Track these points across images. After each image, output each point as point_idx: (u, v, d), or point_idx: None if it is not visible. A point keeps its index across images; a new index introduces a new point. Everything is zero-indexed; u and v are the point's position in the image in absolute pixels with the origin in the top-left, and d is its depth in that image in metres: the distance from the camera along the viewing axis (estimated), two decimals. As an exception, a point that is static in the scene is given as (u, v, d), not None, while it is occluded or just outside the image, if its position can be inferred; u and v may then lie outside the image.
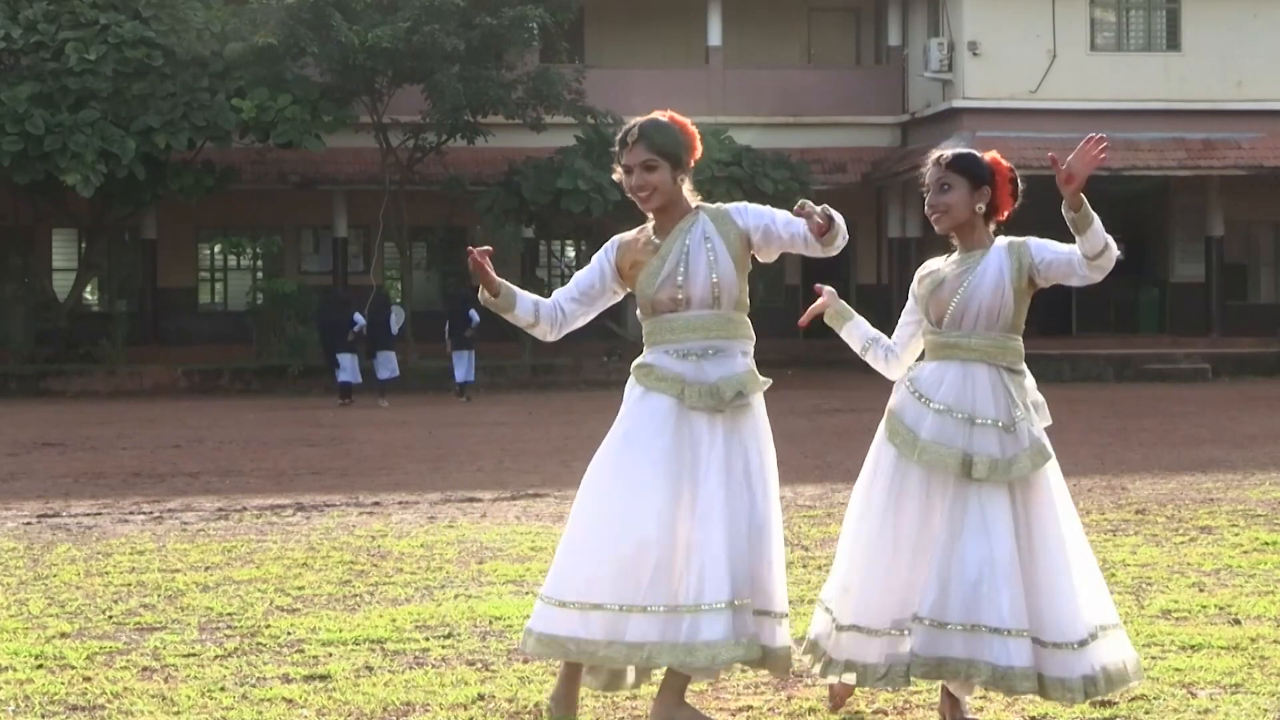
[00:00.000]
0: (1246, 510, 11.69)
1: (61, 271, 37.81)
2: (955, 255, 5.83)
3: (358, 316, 28.57)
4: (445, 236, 38.45)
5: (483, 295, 5.84)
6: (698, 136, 5.84)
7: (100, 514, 12.44)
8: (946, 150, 5.90)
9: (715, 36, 38.28)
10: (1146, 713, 5.89)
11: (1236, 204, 37.81)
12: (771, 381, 5.84)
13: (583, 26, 38.22)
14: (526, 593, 8.49)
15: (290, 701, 6.20)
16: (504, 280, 5.88)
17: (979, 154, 5.87)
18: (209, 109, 31.48)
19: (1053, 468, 5.72)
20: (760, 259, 5.85)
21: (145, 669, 6.77)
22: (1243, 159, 35.72)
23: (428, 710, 6.06)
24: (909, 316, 5.92)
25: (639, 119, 5.83)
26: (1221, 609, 7.81)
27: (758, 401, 5.76)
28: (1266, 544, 9.93)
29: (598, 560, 5.63)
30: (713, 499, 5.60)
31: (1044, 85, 35.68)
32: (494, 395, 29.76)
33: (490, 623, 7.66)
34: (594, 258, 5.92)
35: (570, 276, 6.35)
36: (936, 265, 5.88)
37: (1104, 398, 26.97)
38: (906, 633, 5.57)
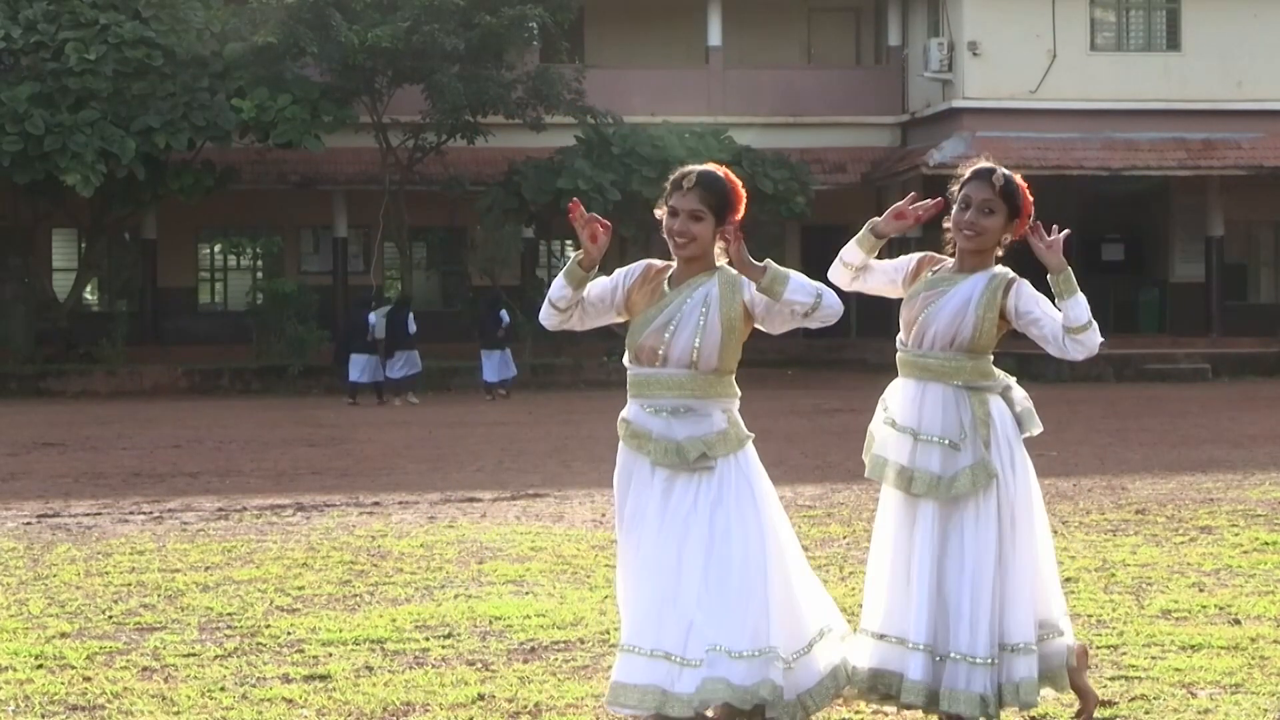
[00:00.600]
0: (1246, 510, 11.69)
1: (61, 271, 37.81)
2: (948, 267, 5.84)
3: (371, 317, 28.66)
4: (445, 236, 38.45)
5: (579, 259, 5.71)
6: (744, 199, 5.79)
7: (100, 514, 12.44)
8: (994, 166, 5.79)
9: (715, 36, 38.28)
10: (1146, 713, 5.90)
11: (1236, 204, 37.80)
12: (753, 436, 5.78)
13: (583, 26, 38.21)
14: (526, 593, 8.50)
15: (290, 701, 6.20)
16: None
17: (1020, 182, 5.78)
18: (209, 109, 31.47)
19: (1016, 482, 5.65)
20: (765, 329, 5.84)
21: (145, 669, 6.77)
22: (1243, 159, 35.72)
23: (428, 710, 6.06)
24: (895, 268, 5.94)
25: (697, 167, 5.78)
26: (1221, 609, 7.81)
27: (744, 457, 5.70)
28: (1266, 544, 9.93)
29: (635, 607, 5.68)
30: (682, 549, 5.58)
31: (1044, 85, 35.68)
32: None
33: (490, 623, 7.66)
34: (616, 274, 5.88)
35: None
36: (936, 268, 5.87)
37: (1104, 398, 26.97)
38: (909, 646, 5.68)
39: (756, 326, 5.80)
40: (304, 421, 23.62)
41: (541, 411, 25.18)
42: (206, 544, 10.53)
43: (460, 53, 32.06)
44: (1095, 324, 5.62)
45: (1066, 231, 5.68)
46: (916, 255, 5.94)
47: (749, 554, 5.56)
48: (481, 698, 6.20)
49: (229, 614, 7.98)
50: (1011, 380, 5.80)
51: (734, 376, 5.82)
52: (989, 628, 5.54)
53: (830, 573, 9.02)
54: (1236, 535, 10.37)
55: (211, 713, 6.05)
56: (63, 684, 6.49)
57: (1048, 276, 5.64)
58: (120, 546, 10.44)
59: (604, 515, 11.77)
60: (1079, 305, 5.58)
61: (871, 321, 39.12)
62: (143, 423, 23.47)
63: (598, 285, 5.84)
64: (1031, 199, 5.81)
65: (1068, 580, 8.71)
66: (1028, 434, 5.75)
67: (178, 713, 6.06)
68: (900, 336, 5.84)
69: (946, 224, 5.86)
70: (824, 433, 19.80)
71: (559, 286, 5.78)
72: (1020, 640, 5.59)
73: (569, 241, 39.51)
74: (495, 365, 28.67)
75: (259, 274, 38.85)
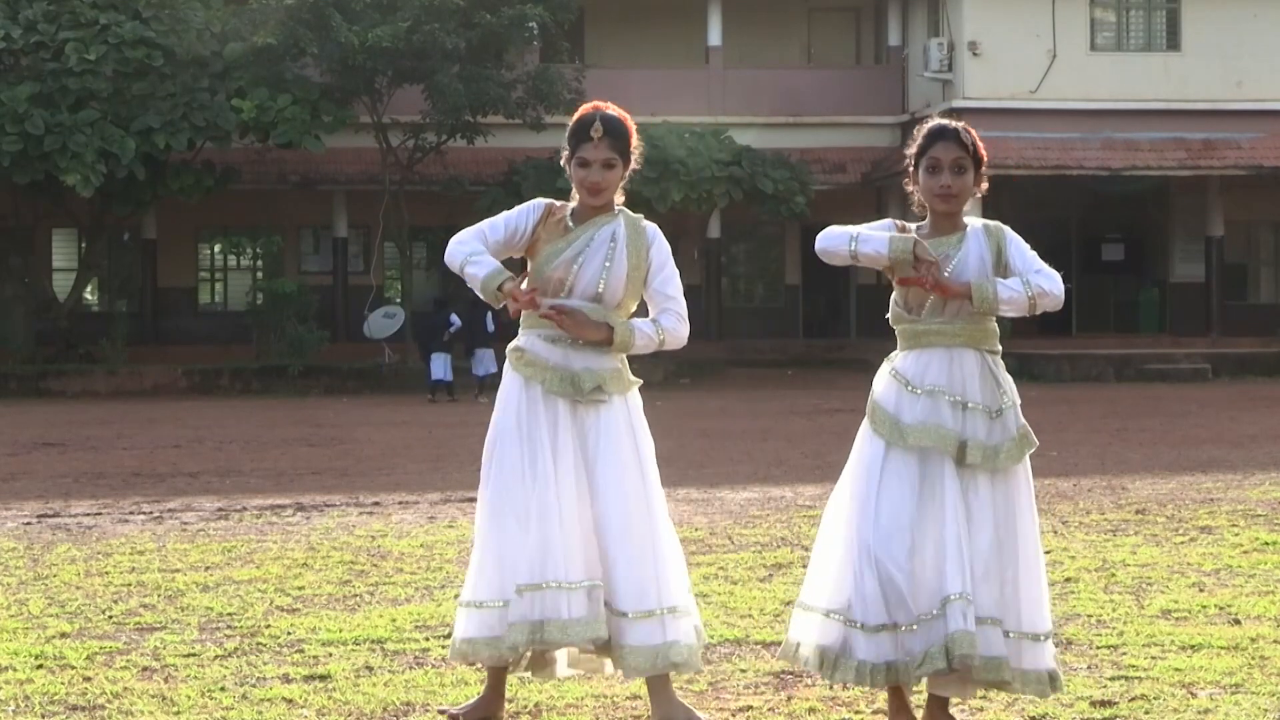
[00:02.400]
0: (1246, 510, 11.68)
1: (61, 271, 37.82)
2: (927, 234, 5.63)
3: (454, 317, 29.11)
4: (445, 236, 38.32)
5: (500, 288, 5.78)
6: (635, 133, 5.93)
7: (100, 514, 12.43)
8: (948, 123, 5.68)
9: (715, 36, 38.29)
10: (1146, 713, 5.89)
11: (1236, 204, 37.81)
12: (640, 382, 5.88)
13: (583, 26, 38.22)
14: (526, 593, 8.49)
15: (290, 701, 6.20)
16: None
17: (970, 133, 5.68)
18: (209, 109, 31.48)
19: (1026, 460, 5.65)
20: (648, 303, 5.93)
21: (145, 669, 6.77)
22: (1243, 159, 35.72)
23: (428, 710, 6.06)
24: (882, 228, 5.67)
25: (593, 112, 5.89)
26: (1221, 609, 7.81)
27: (633, 400, 5.83)
28: (1266, 544, 9.93)
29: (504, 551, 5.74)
30: (565, 484, 5.70)
31: (1044, 85, 35.69)
32: (493, 395, 29.78)
33: (490, 623, 7.65)
34: (516, 216, 5.92)
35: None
36: (919, 237, 5.63)
37: (1104, 398, 26.97)
38: (936, 614, 5.43)
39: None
40: (304, 421, 23.63)
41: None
42: (206, 544, 10.52)
43: (460, 53, 32.07)
44: (1038, 292, 5.49)
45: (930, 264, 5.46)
46: (885, 224, 5.68)
47: (624, 499, 5.69)
48: (481, 698, 6.19)
49: (229, 614, 7.98)
50: None
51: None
52: (1045, 602, 5.50)
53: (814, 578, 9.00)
54: (1236, 535, 10.36)
55: (211, 713, 6.05)
56: (63, 684, 6.49)
57: (972, 301, 5.50)
58: (120, 546, 10.44)
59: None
60: (1014, 303, 5.50)
61: (872, 321, 39.14)
62: (143, 423, 23.47)
63: (498, 231, 5.91)
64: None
65: (1067, 580, 8.72)
66: None
67: (178, 713, 6.06)
68: (900, 302, 5.63)
69: (909, 188, 5.68)
70: (824, 433, 19.79)
71: (470, 277, 5.87)
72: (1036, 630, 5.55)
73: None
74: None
75: (259, 274, 38.87)
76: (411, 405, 27.47)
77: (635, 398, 5.89)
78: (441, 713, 5.95)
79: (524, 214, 5.93)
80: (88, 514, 12.43)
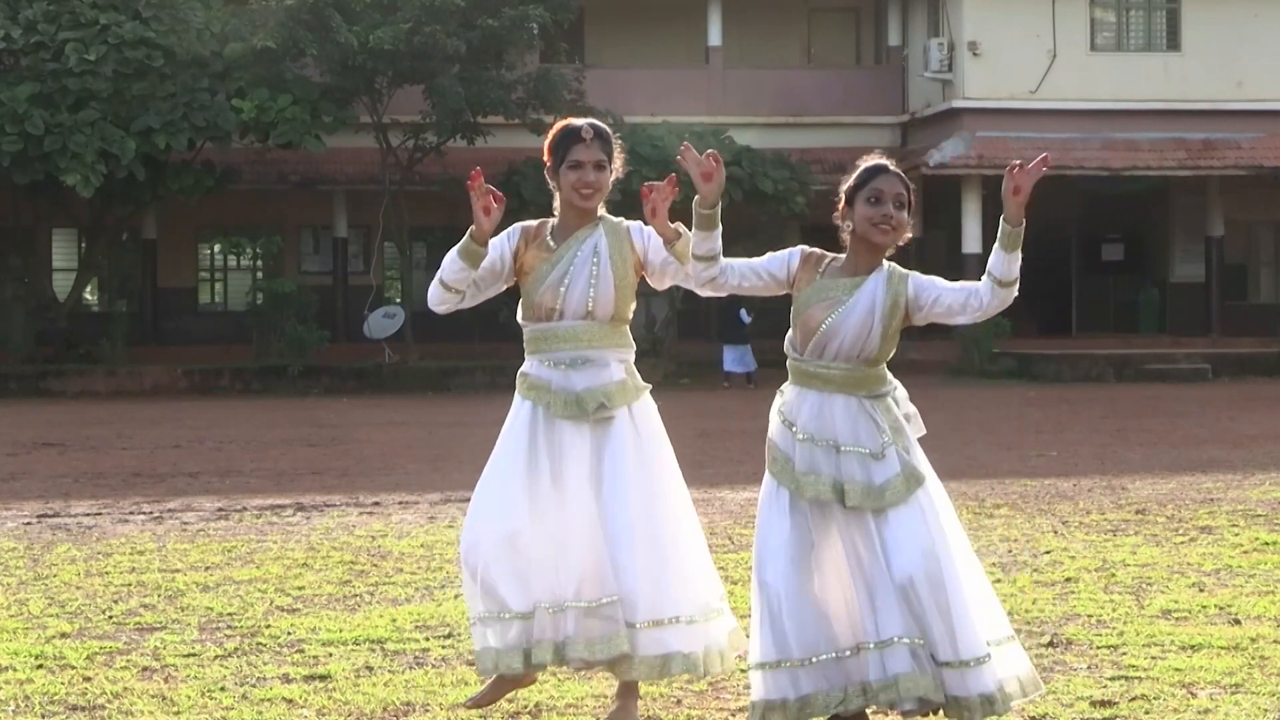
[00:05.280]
0: (1246, 510, 11.68)
1: (61, 271, 37.80)
2: (839, 268, 5.55)
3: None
4: (445, 236, 38.38)
5: (472, 234, 5.83)
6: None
7: (100, 514, 12.43)
8: (885, 160, 5.63)
9: (715, 36, 38.28)
10: (1146, 713, 5.89)
11: (1236, 204, 37.81)
12: (650, 388, 5.89)
13: (583, 26, 38.20)
14: (526, 593, 8.49)
15: (290, 701, 6.20)
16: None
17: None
18: (209, 109, 31.46)
19: (933, 484, 5.51)
20: (651, 283, 5.96)
21: (145, 669, 6.77)
22: (1243, 159, 35.72)
23: (428, 710, 6.07)
24: (766, 270, 5.59)
25: (580, 120, 6.04)
26: (1221, 609, 7.81)
27: (640, 409, 5.84)
28: (1266, 544, 9.93)
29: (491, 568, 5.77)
30: (579, 504, 5.71)
31: (1044, 85, 35.69)
32: (494, 395, 29.73)
33: (490, 623, 7.65)
34: (494, 244, 5.93)
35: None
36: (823, 268, 5.55)
37: (1104, 398, 26.96)
38: (849, 654, 5.37)
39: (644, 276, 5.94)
40: (304, 421, 23.62)
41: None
42: (206, 544, 10.53)
43: (461, 54, 32.05)
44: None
45: (1044, 159, 5.37)
46: (796, 251, 5.61)
47: (628, 513, 5.69)
48: (481, 698, 6.19)
49: (229, 614, 7.98)
50: (897, 382, 5.62)
51: (628, 327, 5.94)
52: (971, 624, 5.34)
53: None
54: (1236, 535, 10.36)
55: (211, 713, 6.05)
56: (63, 684, 6.49)
57: (1002, 225, 5.38)
58: (120, 546, 10.44)
59: (604, 515, 11.78)
60: (1018, 261, 5.39)
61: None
62: (143, 423, 23.46)
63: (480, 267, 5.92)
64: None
65: (1067, 580, 8.72)
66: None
67: (178, 713, 6.06)
68: (792, 340, 5.56)
69: (839, 220, 5.58)
70: (824, 433, 19.76)
71: (456, 268, 5.85)
72: (998, 636, 5.43)
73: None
74: (737, 357, 31.26)
75: (259, 274, 38.85)
76: (412, 405, 27.46)
77: (645, 405, 5.88)
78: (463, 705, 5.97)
79: (500, 244, 5.95)
80: (88, 514, 12.43)
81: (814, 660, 5.35)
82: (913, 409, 5.62)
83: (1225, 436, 18.94)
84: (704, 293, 5.73)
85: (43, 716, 6.03)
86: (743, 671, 5.91)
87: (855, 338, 5.45)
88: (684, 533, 5.84)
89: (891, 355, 5.55)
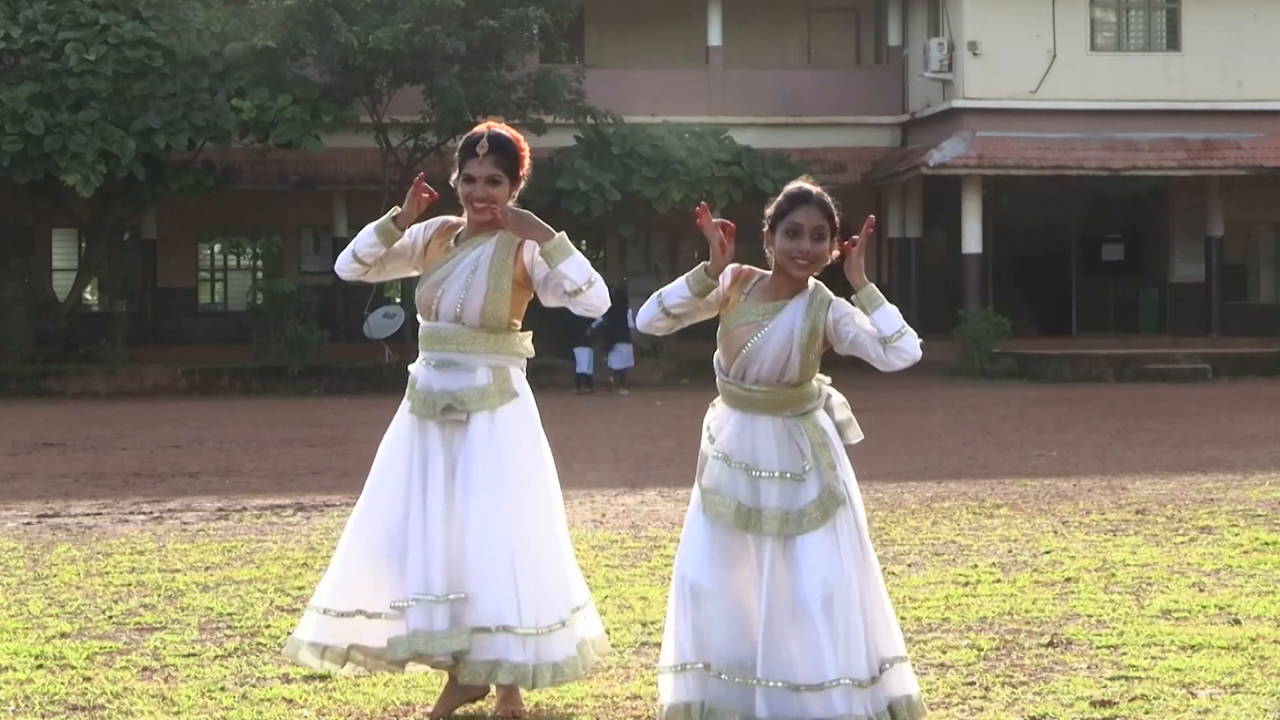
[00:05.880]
0: (1246, 510, 11.68)
1: (61, 271, 37.79)
2: (763, 289, 5.54)
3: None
4: (445, 236, 38.42)
5: (393, 217, 6.00)
6: (528, 156, 6.06)
7: (100, 514, 12.43)
8: (810, 187, 5.57)
9: (715, 36, 38.27)
10: (1146, 713, 5.89)
11: (1236, 204, 37.80)
12: (519, 395, 5.98)
13: (583, 27, 38.20)
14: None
15: (290, 701, 6.20)
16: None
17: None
18: (209, 109, 31.47)
19: (854, 497, 5.52)
20: (540, 298, 6.04)
21: (145, 669, 6.77)
22: (1243, 159, 35.71)
23: (428, 710, 6.06)
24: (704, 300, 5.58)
25: (485, 130, 6.03)
26: (1221, 609, 7.81)
27: (504, 415, 5.95)
28: (1266, 544, 9.93)
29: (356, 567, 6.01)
30: (437, 502, 5.87)
31: (1044, 85, 35.68)
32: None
33: (490, 623, 7.65)
34: (415, 227, 6.10)
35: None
36: (748, 287, 5.56)
37: (1104, 398, 26.96)
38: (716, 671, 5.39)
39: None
40: (304, 421, 23.62)
41: (541, 411, 25.10)
42: (206, 544, 10.52)
43: (461, 54, 32.04)
44: (910, 330, 5.43)
45: (866, 232, 5.44)
46: (727, 271, 5.57)
47: (480, 518, 5.83)
48: (482, 697, 6.19)
49: (229, 614, 7.98)
50: (830, 386, 5.60)
51: (515, 335, 6.03)
52: (865, 648, 5.36)
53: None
54: (1236, 535, 10.36)
55: (211, 713, 6.05)
56: (63, 684, 6.49)
57: (851, 296, 5.46)
58: (120, 546, 10.44)
59: (604, 515, 11.78)
60: (888, 315, 5.40)
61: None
62: (143, 423, 23.46)
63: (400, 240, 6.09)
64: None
65: (1068, 580, 8.72)
66: (848, 442, 5.57)
67: (178, 713, 6.06)
68: (719, 359, 5.58)
69: (766, 246, 5.56)
70: (824, 433, 19.75)
71: (370, 241, 6.04)
72: (893, 655, 5.44)
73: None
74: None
75: (259, 274, 38.85)
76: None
77: (510, 412, 5.98)
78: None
79: (418, 230, 6.11)
80: (88, 514, 12.43)
81: (722, 674, 5.37)
82: (847, 415, 5.60)
83: (1225, 436, 18.93)
84: (647, 330, 5.75)
85: (43, 716, 6.03)
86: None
87: (775, 362, 5.46)
88: (536, 544, 5.88)
89: (815, 375, 5.53)
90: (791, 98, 38.01)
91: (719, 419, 5.56)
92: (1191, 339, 36.35)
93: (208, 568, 9.51)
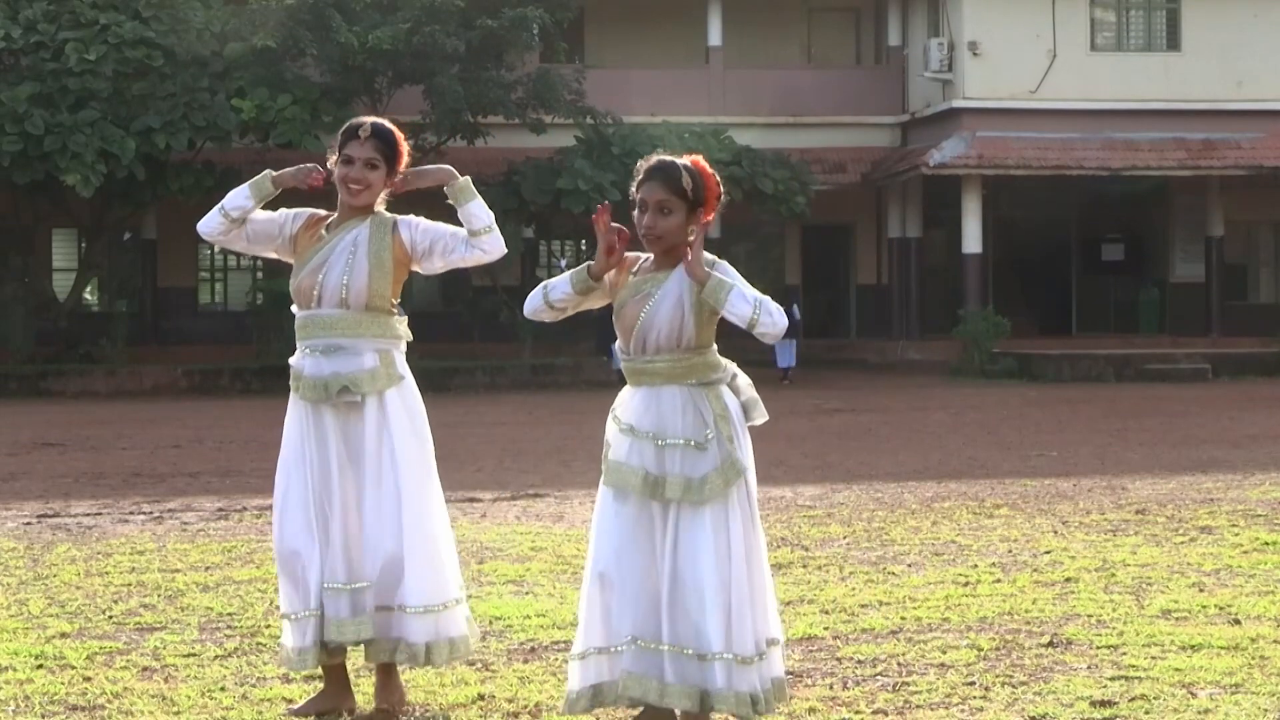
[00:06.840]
0: (1246, 510, 11.68)
1: (61, 271, 37.80)
2: (649, 265, 5.60)
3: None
4: (445, 237, 38.39)
5: (274, 175, 6.30)
6: (406, 151, 6.26)
7: (100, 514, 12.43)
8: (669, 161, 5.59)
9: (715, 36, 38.28)
10: (1146, 713, 5.89)
11: (1236, 204, 37.82)
12: (405, 378, 6.06)
13: (583, 27, 38.22)
14: (526, 593, 8.51)
15: (290, 701, 6.20)
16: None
17: (696, 170, 5.56)
18: (209, 109, 31.47)
19: (749, 476, 5.54)
20: (422, 271, 6.21)
21: (145, 669, 6.77)
22: (1243, 159, 35.73)
23: (427, 710, 6.06)
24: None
25: (370, 119, 6.25)
26: (1221, 609, 7.81)
27: (392, 397, 6.03)
28: (1266, 544, 9.93)
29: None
30: (336, 487, 6.01)
31: (1044, 85, 35.69)
32: (494, 395, 29.77)
33: (490, 623, 7.66)
34: (284, 211, 6.28)
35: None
36: (635, 268, 5.63)
37: (1104, 398, 26.96)
38: (619, 650, 5.45)
39: (414, 269, 6.18)
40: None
41: (541, 411, 25.18)
42: (206, 544, 10.52)
43: (460, 54, 32.05)
44: (766, 310, 5.45)
45: (702, 228, 5.52)
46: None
47: (367, 494, 5.96)
48: (481, 698, 6.20)
49: (229, 614, 7.98)
50: (736, 367, 5.65)
51: (395, 318, 6.13)
52: (752, 624, 5.42)
53: (830, 573, 9.02)
54: (1236, 535, 10.36)
55: (211, 713, 6.05)
56: (63, 684, 6.49)
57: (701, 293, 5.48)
58: (120, 546, 10.44)
59: (604, 515, 11.76)
60: (737, 302, 5.45)
61: (871, 322, 39.14)
62: (143, 423, 23.47)
63: (264, 213, 6.27)
64: (714, 175, 5.58)
65: (1068, 580, 8.72)
66: (752, 423, 5.60)
67: (178, 713, 6.06)
68: (619, 345, 5.65)
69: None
70: (824, 433, 19.78)
71: (241, 197, 6.25)
72: (774, 635, 5.52)
73: (568, 242, 39.56)
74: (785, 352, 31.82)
75: (259, 274, 38.85)
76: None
77: (398, 394, 6.06)
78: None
79: (288, 216, 6.28)
80: (88, 514, 12.43)
81: (638, 641, 5.42)
82: (753, 395, 5.65)
83: (1225, 436, 18.94)
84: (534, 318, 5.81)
85: (43, 716, 6.03)
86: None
87: (670, 326, 5.51)
88: (430, 523, 6.00)
89: (713, 340, 5.59)
90: (791, 98, 38.03)
91: (624, 400, 5.62)
92: (1191, 339, 36.36)
93: (208, 568, 9.51)
